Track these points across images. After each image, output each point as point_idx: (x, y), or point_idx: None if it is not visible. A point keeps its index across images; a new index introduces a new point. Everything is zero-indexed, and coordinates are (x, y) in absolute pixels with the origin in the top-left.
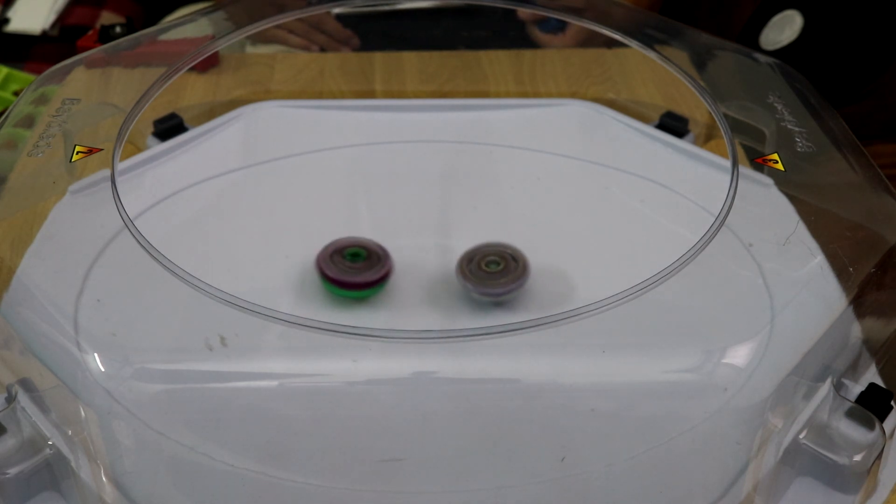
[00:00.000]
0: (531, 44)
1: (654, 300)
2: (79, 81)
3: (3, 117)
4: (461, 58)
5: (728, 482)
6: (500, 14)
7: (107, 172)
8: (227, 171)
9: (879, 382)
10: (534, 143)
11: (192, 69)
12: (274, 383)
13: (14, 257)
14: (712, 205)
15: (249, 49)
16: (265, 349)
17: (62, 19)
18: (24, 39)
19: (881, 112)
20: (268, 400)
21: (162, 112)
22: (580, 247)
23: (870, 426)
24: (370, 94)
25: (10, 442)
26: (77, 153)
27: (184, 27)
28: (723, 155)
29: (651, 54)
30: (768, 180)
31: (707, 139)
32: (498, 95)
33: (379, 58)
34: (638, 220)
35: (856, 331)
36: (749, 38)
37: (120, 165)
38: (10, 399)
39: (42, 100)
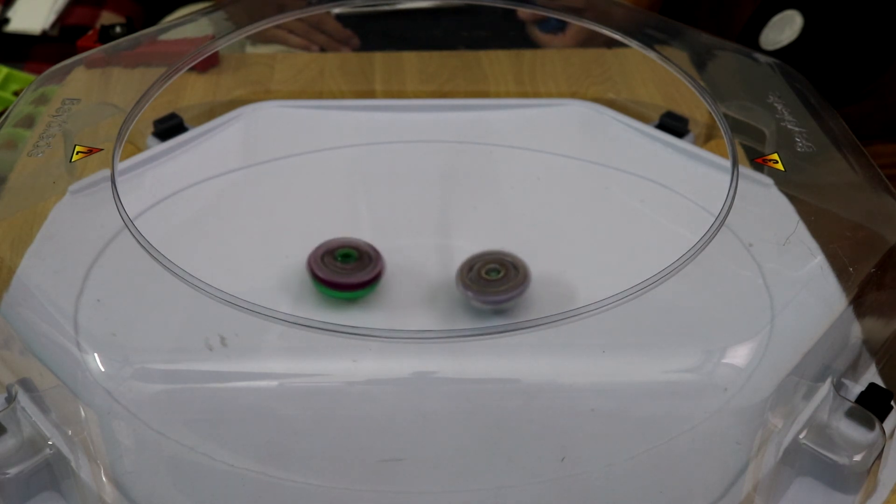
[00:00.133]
0: (531, 44)
1: (654, 300)
2: (79, 81)
3: (3, 117)
4: (461, 58)
5: (728, 482)
6: (500, 14)
7: (107, 172)
8: (226, 171)
9: (879, 382)
10: (534, 143)
11: (192, 69)
12: (274, 383)
13: (14, 257)
14: (712, 205)
15: (249, 49)
16: (265, 349)
17: (62, 19)
18: (24, 39)
19: (881, 112)
20: (268, 400)
21: (162, 112)
22: (580, 247)
23: (870, 426)
24: (370, 94)
25: (10, 442)
26: (77, 153)
27: (184, 27)
28: (723, 155)
29: (651, 54)
30: (768, 180)
31: (707, 139)
32: (498, 95)
33: (379, 58)
34: (638, 220)
35: (856, 331)
36: (749, 38)
37: (120, 165)
38: (10, 399)
39: (42, 100)
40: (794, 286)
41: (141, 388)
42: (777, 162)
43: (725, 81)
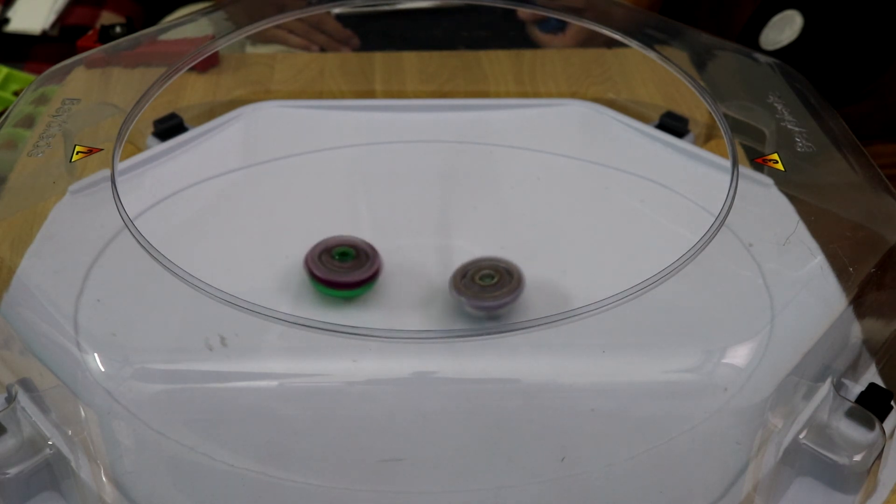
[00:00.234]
0: (531, 44)
1: (654, 300)
2: (79, 81)
3: (3, 117)
4: (461, 58)
5: (728, 482)
6: (500, 14)
7: (107, 172)
8: (226, 171)
9: (879, 382)
10: (534, 143)
11: (192, 69)
12: (274, 383)
13: (14, 257)
14: (712, 205)
15: (249, 49)
16: (265, 349)
17: (62, 19)
18: (24, 39)
19: (881, 112)
20: (268, 400)
21: (162, 112)
22: (580, 246)
23: (870, 426)
24: (370, 94)
25: (10, 442)
26: (77, 153)
27: (184, 27)
28: (723, 155)
29: (651, 54)
30: (768, 180)
31: (707, 139)
32: (498, 95)
33: (379, 58)
34: (638, 220)
35: (856, 331)
36: (749, 38)
37: (120, 165)
38: (10, 399)
39: (42, 100)
40: (794, 286)
41: (141, 388)
42: (777, 162)
43: (725, 81)
